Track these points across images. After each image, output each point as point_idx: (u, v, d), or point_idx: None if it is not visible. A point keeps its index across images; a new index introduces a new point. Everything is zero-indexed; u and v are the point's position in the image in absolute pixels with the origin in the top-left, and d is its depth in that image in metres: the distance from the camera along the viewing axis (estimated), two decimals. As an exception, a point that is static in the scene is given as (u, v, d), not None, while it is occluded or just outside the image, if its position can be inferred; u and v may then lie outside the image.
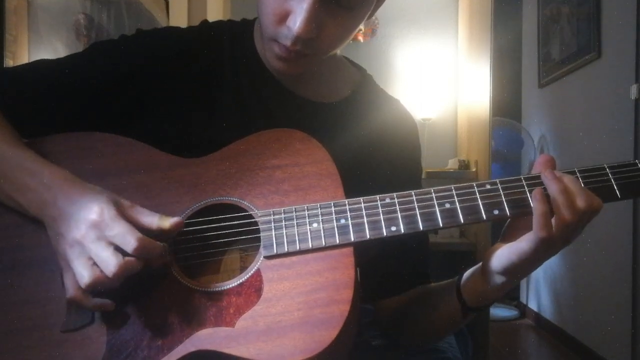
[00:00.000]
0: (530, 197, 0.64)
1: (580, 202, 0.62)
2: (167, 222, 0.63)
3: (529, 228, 0.64)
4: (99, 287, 0.61)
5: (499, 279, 0.68)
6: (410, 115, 0.95)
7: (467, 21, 2.97)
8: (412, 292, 0.87)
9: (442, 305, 0.77)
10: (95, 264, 0.60)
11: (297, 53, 0.74)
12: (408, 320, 0.86)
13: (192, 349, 0.62)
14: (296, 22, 0.69)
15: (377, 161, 0.87)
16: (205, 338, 0.62)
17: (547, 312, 3.51)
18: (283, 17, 0.71)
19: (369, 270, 0.90)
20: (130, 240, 0.60)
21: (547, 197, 0.63)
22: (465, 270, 0.76)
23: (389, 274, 0.88)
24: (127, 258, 0.60)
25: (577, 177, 0.66)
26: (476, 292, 0.72)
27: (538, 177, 0.67)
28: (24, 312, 0.65)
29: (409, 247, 0.85)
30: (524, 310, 3.82)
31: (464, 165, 2.80)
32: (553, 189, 0.63)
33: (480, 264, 0.71)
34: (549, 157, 0.68)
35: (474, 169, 2.72)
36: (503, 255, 0.66)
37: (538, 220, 0.62)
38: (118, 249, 0.60)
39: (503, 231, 0.71)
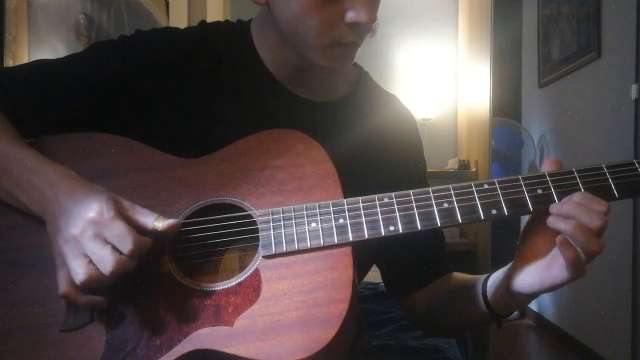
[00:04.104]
0: (557, 245, 0.62)
1: (597, 224, 0.62)
2: (162, 224, 0.64)
3: (543, 237, 0.66)
4: (93, 284, 0.61)
5: (525, 298, 0.69)
6: (409, 111, 0.95)
7: (467, 21, 2.97)
8: (436, 289, 0.87)
9: (470, 313, 0.78)
10: (91, 261, 0.61)
11: (358, 44, 0.77)
12: (436, 321, 0.88)
13: (191, 348, 0.62)
14: (363, 13, 0.72)
15: (379, 159, 0.87)
16: (204, 337, 0.62)
17: (548, 312, 3.51)
18: (338, 20, 0.73)
19: (390, 268, 0.91)
20: (127, 241, 0.60)
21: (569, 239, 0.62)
22: (466, 274, 0.77)
23: (409, 270, 0.89)
24: (122, 257, 0.60)
25: (577, 199, 0.64)
26: (504, 305, 0.73)
27: (535, 176, 0.67)
28: (24, 311, 0.66)
29: (425, 241, 0.86)
30: (524, 310, 3.82)
31: (464, 165, 2.80)
32: (570, 232, 0.62)
33: (502, 278, 0.71)
34: (554, 160, 0.68)
35: (474, 169, 2.72)
36: (534, 285, 0.66)
37: (571, 265, 0.61)
38: (114, 248, 0.61)
39: (518, 245, 0.70)
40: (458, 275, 0.87)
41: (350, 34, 0.74)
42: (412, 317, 0.93)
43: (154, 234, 0.64)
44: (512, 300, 0.70)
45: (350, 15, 0.72)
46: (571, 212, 0.63)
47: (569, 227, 0.62)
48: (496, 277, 0.73)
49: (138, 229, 0.62)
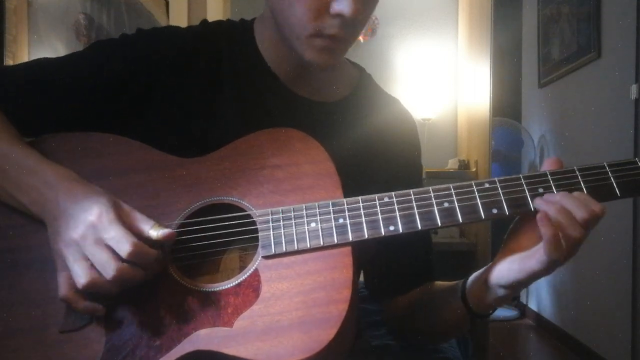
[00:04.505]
0: (537, 221, 0.62)
1: (583, 215, 0.62)
2: (156, 233, 0.63)
3: (531, 233, 0.65)
4: (95, 289, 0.61)
5: (503, 291, 0.68)
6: (409, 114, 0.95)
7: (467, 21, 2.97)
8: (417, 293, 0.87)
9: (448, 310, 0.77)
10: (92, 265, 0.60)
11: (342, 40, 0.75)
12: (414, 322, 0.87)
13: (191, 349, 0.62)
14: (346, 5, 0.71)
15: (377, 160, 0.87)
16: (203, 338, 0.62)
17: (547, 312, 3.50)
18: (323, 9, 0.72)
19: (373, 270, 0.91)
20: (124, 244, 0.60)
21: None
22: (466, 274, 0.76)
23: (392, 274, 0.88)
24: (124, 264, 0.60)
25: (574, 194, 0.64)
26: (481, 300, 0.72)
27: (537, 175, 0.66)
28: (24, 311, 0.66)
29: (412, 247, 0.85)
30: (524, 310, 3.82)
31: (464, 165, 2.80)
32: (551, 212, 0.62)
33: (482, 271, 0.71)
34: (555, 159, 0.68)
35: (474, 169, 2.72)
36: (511, 273, 0.65)
37: (549, 244, 0.60)
38: (114, 253, 0.60)
39: (505, 239, 0.70)
40: (440, 282, 0.86)
41: (334, 25, 0.73)
42: (390, 321, 0.92)
43: (150, 242, 0.63)
44: (488, 293, 0.69)
45: (334, 7, 0.72)
46: (560, 200, 0.63)
47: (552, 208, 0.62)
48: (476, 273, 0.73)
49: (136, 236, 0.62)
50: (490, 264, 0.69)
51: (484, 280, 0.69)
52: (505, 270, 0.66)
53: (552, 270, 0.63)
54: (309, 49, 0.76)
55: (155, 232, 0.63)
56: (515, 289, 0.67)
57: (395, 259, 0.85)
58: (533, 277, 0.64)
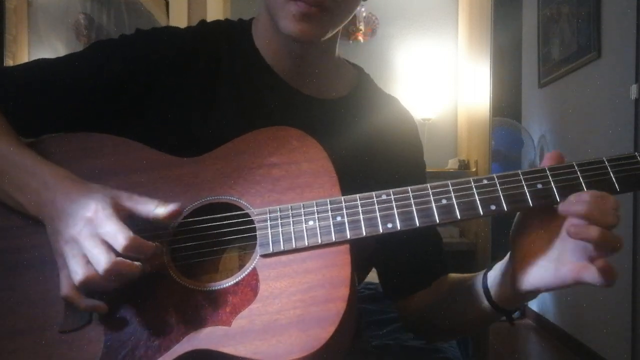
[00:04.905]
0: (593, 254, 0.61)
1: (613, 220, 0.60)
2: (162, 210, 0.63)
3: (543, 233, 0.64)
4: (92, 285, 0.61)
5: (532, 294, 0.68)
6: (409, 113, 0.95)
7: (467, 21, 2.97)
8: (434, 290, 0.86)
9: (472, 310, 0.76)
10: (89, 261, 0.60)
11: (318, 4, 0.73)
12: (436, 323, 0.86)
13: (189, 349, 0.61)
14: None
15: (378, 159, 0.87)
16: (202, 337, 0.62)
17: (548, 312, 3.50)
18: None
19: (386, 269, 0.91)
20: (120, 239, 0.60)
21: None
22: (476, 271, 0.76)
23: (408, 270, 0.88)
24: (119, 258, 0.60)
25: (587, 198, 0.61)
26: (512, 302, 0.71)
27: (535, 171, 0.65)
28: (24, 312, 0.66)
29: (423, 241, 0.85)
30: (524, 310, 3.82)
31: (464, 165, 2.80)
32: (597, 238, 0.60)
33: (503, 274, 0.70)
34: (555, 153, 0.67)
35: (474, 169, 2.72)
36: (544, 280, 0.64)
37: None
38: (112, 247, 0.60)
39: (514, 239, 0.68)
40: (454, 275, 0.86)
41: None
42: (409, 320, 0.92)
43: (156, 222, 0.63)
44: (520, 296, 0.69)
45: None
46: (589, 213, 0.60)
47: (596, 234, 0.59)
48: (496, 275, 0.72)
49: (139, 219, 0.62)
50: (511, 267, 0.68)
51: (511, 286, 0.68)
52: (538, 277, 0.65)
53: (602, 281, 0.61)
54: (285, 17, 0.75)
55: (161, 209, 0.63)
56: (544, 292, 0.67)
57: (409, 255, 0.85)
58: (572, 284, 0.63)
